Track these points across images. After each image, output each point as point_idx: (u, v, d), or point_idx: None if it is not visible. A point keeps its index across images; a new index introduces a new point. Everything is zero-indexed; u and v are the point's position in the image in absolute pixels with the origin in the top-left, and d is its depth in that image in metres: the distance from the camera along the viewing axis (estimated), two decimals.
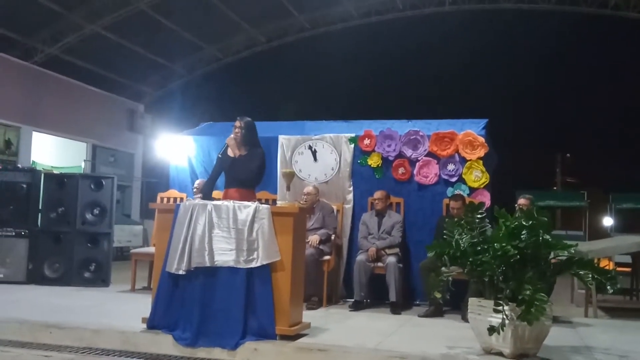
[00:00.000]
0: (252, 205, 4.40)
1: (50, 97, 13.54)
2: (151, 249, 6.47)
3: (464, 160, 6.43)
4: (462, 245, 4.13)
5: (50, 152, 14.06)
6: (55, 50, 14.38)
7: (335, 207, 6.59)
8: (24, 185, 7.41)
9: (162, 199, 7.20)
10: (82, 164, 14.15)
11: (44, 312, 5.10)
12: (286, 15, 15.75)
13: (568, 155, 26.13)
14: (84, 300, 5.96)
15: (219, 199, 4.90)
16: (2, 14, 12.83)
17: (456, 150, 6.45)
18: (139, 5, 13.65)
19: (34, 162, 12.89)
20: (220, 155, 5.38)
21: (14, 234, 7.20)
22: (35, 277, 7.11)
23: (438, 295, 4.25)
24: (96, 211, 7.30)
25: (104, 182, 7.40)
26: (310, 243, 6.00)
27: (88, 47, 14.58)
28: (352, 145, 6.79)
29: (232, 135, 5.30)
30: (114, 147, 15.84)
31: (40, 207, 7.43)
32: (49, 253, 7.17)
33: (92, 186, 7.35)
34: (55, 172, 9.23)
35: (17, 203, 7.33)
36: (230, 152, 5.28)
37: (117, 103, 16.01)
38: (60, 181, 7.42)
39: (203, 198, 5.21)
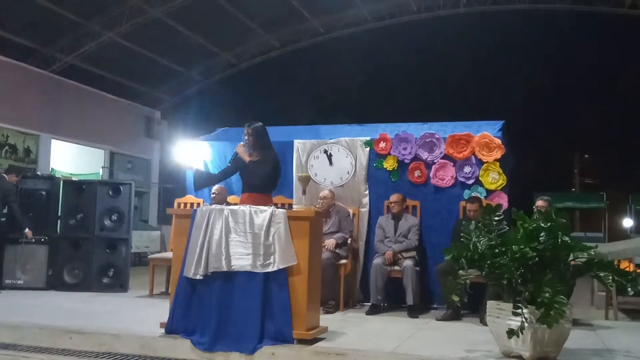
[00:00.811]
0: (269, 209, 4.41)
1: (69, 105, 13.71)
2: (169, 254, 6.52)
3: (480, 163, 6.39)
4: (480, 247, 4.10)
5: (68, 159, 14.23)
6: (72, 58, 14.57)
7: (351, 211, 6.58)
8: (44, 193, 7.53)
9: (179, 204, 7.24)
10: (100, 171, 14.31)
11: (63, 318, 5.16)
12: (300, 19, 15.79)
13: (586, 156, 25.82)
14: (103, 306, 6.02)
15: (235, 204, 4.93)
16: (21, 23, 13.05)
17: (472, 153, 6.41)
18: (154, 13, 13.79)
19: (52, 169, 13.06)
20: (230, 164, 5.41)
21: (33, 240, 7.30)
22: (54, 283, 7.21)
23: (456, 299, 4.22)
24: (114, 217, 7.38)
25: (121, 189, 7.48)
26: (326, 247, 6.00)
27: (105, 55, 14.75)
28: (368, 149, 6.78)
29: (241, 143, 5.33)
30: (131, 153, 16.00)
31: (59, 214, 7.55)
32: (68, 259, 7.26)
33: (110, 192, 7.44)
34: (74, 179, 9.34)
35: (37, 210, 7.45)
36: (245, 157, 5.30)
37: (134, 110, 16.18)
38: (78, 188, 7.51)
39: (195, 181, 5.29)
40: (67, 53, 14.49)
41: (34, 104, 12.87)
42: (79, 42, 14.38)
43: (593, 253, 4.08)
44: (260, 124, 5.32)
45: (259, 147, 5.26)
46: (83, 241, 7.29)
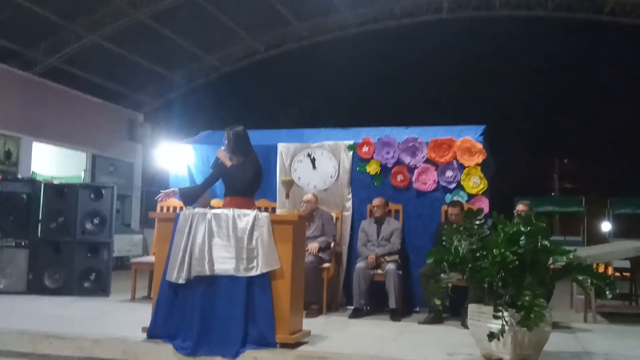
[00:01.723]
0: (252, 213, 4.41)
1: (50, 108, 13.57)
2: (151, 258, 6.47)
3: (462, 167, 6.46)
4: (461, 251, 4.14)
5: (50, 162, 14.07)
6: (54, 60, 14.42)
7: (334, 215, 6.61)
8: (24, 196, 7.42)
9: (162, 208, 7.21)
10: (82, 174, 14.17)
11: (44, 322, 5.10)
12: (284, 24, 15.82)
13: (566, 161, 26.17)
14: (84, 310, 5.97)
15: (218, 208, 4.92)
16: (2, 25, 12.89)
17: (454, 157, 6.48)
18: (138, 16, 13.71)
19: (33, 172, 12.90)
20: (211, 169, 5.41)
21: (14, 244, 7.20)
22: (35, 287, 7.11)
23: (438, 302, 4.26)
24: (96, 221, 7.31)
25: (103, 192, 7.42)
26: (309, 251, 6.01)
27: (87, 57, 14.63)
28: (351, 153, 6.82)
29: (222, 147, 5.33)
30: (113, 156, 15.86)
31: (40, 217, 7.44)
32: (49, 263, 7.18)
33: (92, 196, 7.37)
34: (55, 182, 9.24)
35: (17, 213, 7.34)
36: (226, 162, 5.29)
37: (117, 113, 16.06)
38: (60, 191, 7.44)
39: (184, 202, 5.25)
40: (49, 55, 14.34)
41: (15, 106, 12.71)
42: (61, 44, 14.25)
43: (572, 257, 4.14)
44: (242, 127, 5.30)
45: (240, 151, 5.26)
46: (64, 245, 7.21)
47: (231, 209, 4.57)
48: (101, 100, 15.38)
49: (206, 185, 5.53)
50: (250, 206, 5.06)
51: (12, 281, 7.12)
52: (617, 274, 8.00)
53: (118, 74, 15.88)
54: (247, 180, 5.21)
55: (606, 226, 18.37)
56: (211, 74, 17.73)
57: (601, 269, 6.50)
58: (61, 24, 13.64)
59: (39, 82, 13.64)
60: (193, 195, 5.37)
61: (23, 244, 7.23)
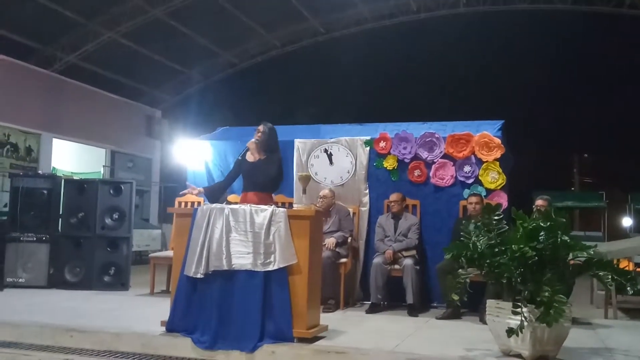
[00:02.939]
0: (269, 208, 4.43)
1: (70, 104, 13.73)
2: (169, 253, 6.54)
3: (480, 162, 6.41)
4: (480, 247, 4.11)
5: (70, 158, 14.25)
6: (74, 58, 14.60)
7: (351, 210, 6.60)
8: (45, 191, 7.53)
9: (180, 203, 7.26)
10: (101, 170, 14.33)
11: (64, 316, 5.18)
12: (300, 19, 15.82)
13: (585, 155, 25.84)
14: (103, 304, 6.04)
15: (236, 203, 4.95)
16: (22, 23, 13.07)
17: (472, 152, 6.43)
18: (156, 13, 13.81)
19: (54, 168, 13.08)
20: (239, 158, 5.44)
21: (35, 239, 7.32)
22: (56, 282, 7.22)
23: (455, 297, 4.23)
24: (115, 216, 7.39)
25: (122, 187, 7.50)
26: (326, 246, 6.01)
27: (106, 54, 14.78)
28: (368, 148, 6.80)
29: (253, 139, 5.35)
30: (132, 152, 16.02)
31: (60, 213, 7.56)
32: (69, 258, 7.28)
33: (111, 191, 7.45)
34: (75, 178, 9.34)
35: (38, 209, 7.46)
36: (249, 157, 5.32)
37: (135, 109, 16.20)
38: (80, 187, 7.53)
39: (210, 200, 5.27)
40: (69, 52, 14.52)
41: (36, 103, 12.88)
42: (80, 42, 14.42)
43: (592, 252, 4.09)
44: (272, 125, 5.38)
45: (269, 148, 5.30)
46: (84, 240, 7.30)
47: (248, 204, 4.60)
48: (119, 97, 15.52)
49: (229, 182, 5.56)
50: (269, 201, 5.08)
51: (33, 275, 7.23)
52: (639, 269, 7.89)
53: (136, 71, 16.03)
54: (269, 176, 5.23)
55: (627, 221, 18.15)
56: (228, 70, 17.81)
57: (622, 265, 6.41)
58: (80, 22, 13.80)
59: (58, 79, 13.81)
60: (218, 193, 5.42)
61: (44, 238, 7.35)
